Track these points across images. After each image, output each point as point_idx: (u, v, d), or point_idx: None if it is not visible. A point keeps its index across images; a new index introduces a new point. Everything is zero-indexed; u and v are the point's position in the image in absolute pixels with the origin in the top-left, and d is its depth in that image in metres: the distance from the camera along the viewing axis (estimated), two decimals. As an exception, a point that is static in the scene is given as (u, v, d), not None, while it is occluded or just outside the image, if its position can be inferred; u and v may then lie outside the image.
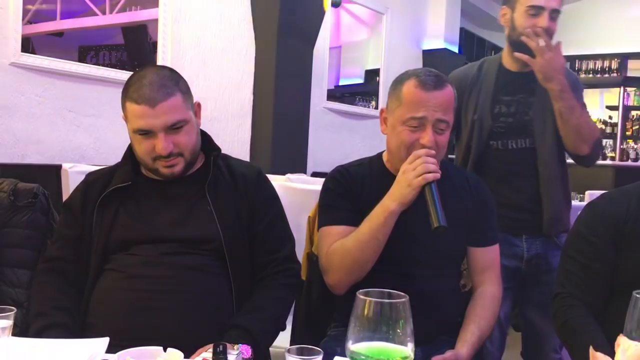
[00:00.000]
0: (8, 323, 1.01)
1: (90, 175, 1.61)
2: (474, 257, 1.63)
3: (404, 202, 1.45)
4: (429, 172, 1.43)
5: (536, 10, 1.95)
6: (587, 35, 8.20)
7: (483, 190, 1.67)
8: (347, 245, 1.50)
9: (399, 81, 1.55)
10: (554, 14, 1.96)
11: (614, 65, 8.17)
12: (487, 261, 1.63)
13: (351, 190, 1.59)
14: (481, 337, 1.51)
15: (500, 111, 2.04)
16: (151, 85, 1.43)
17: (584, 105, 2.03)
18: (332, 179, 1.64)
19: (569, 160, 2.10)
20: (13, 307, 1.04)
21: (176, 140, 1.46)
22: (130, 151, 1.57)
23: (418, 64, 6.33)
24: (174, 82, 1.48)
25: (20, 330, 1.49)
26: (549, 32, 1.94)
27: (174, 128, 1.45)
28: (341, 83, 6.28)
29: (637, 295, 0.98)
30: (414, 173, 1.43)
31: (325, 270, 1.56)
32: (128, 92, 1.45)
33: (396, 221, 1.48)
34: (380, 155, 1.67)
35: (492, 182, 1.86)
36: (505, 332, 2.16)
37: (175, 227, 1.47)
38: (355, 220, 1.53)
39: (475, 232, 1.62)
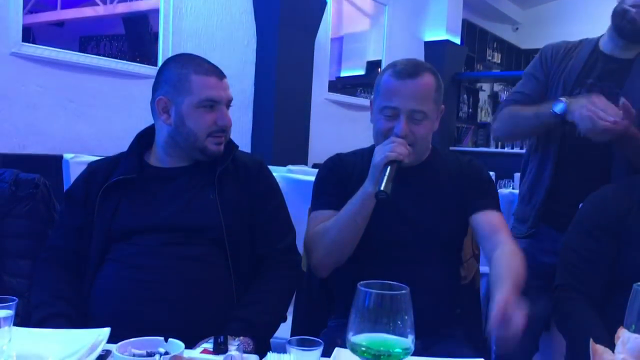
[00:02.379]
0: (9, 313, 1.02)
1: (92, 165, 1.62)
2: (478, 223, 1.56)
3: (375, 182, 1.44)
4: (393, 152, 1.42)
5: None
6: (591, 26, 8.15)
7: (477, 168, 1.65)
8: (327, 226, 1.52)
9: (381, 72, 1.58)
10: None
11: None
12: (492, 224, 1.54)
13: (340, 177, 1.61)
14: (518, 278, 1.33)
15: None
16: (209, 63, 1.54)
17: None
18: (324, 166, 1.68)
19: None
20: (14, 297, 1.04)
21: (228, 117, 1.54)
22: (137, 142, 1.58)
23: (420, 55, 6.32)
24: None
25: (22, 320, 1.49)
26: None
27: (228, 105, 1.55)
28: (342, 74, 6.26)
29: (638, 288, 0.98)
30: (380, 154, 1.44)
31: (308, 251, 1.58)
32: (190, 67, 1.51)
33: (382, 206, 1.48)
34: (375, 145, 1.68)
35: (551, 171, 1.77)
36: (536, 334, 2.01)
37: (177, 216, 1.48)
38: (342, 205, 1.54)
39: (471, 202, 1.58)
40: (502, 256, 1.44)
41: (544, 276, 1.92)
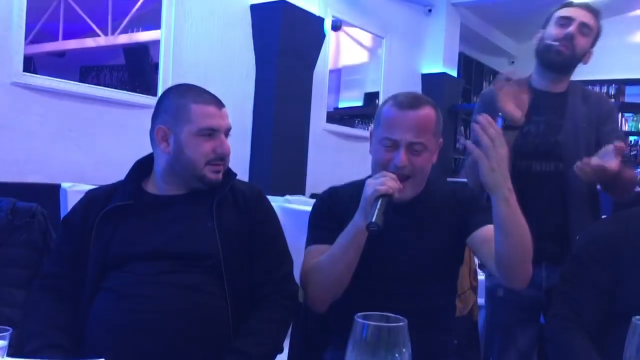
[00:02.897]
0: (3, 343, 1.00)
1: (90, 192, 1.62)
2: (476, 239, 1.55)
3: (365, 215, 1.43)
4: (384, 186, 1.41)
5: (565, 21, 1.97)
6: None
7: (469, 191, 1.66)
8: (320, 262, 1.51)
9: (381, 104, 1.61)
10: (584, 28, 1.97)
11: (612, 91, 8.23)
12: (491, 233, 1.49)
13: (336, 210, 1.61)
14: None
15: (529, 130, 1.96)
16: (208, 93, 1.56)
17: (621, 135, 1.98)
18: (320, 199, 1.68)
19: None
20: (8, 327, 1.03)
21: (227, 145, 1.55)
22: (135, 170, 1.59)
23: (417, 87, 6.38)
24: None
25: (15, 350, 1.47)
26: (573, 40, 1.94)
27: (226, 134, 1.56)
28: (340, 105, 6.33)
29: (637, 322, 0.97)
30: (370, 187, 1.43)
31: (304, 287, 1.57)
32: (189, 96, 1.53)
33: (377, 239, 1.48)
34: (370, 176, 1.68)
35: None
36: None
37: (174, 243, 1.47)
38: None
39: (467, 223, 1.57)
40: None
41: (527, 309, 1.97)
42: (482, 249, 1.54)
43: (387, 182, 1.42)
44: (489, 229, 1.52)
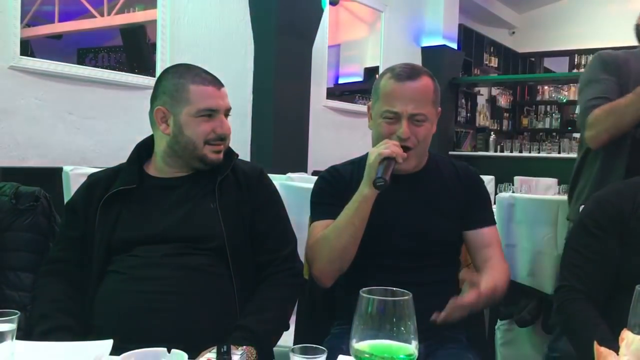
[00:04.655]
0: (12, 326, 1.01)
1: (92, 176, 1.61)
2: (471, 239, 1.61)
3: (370, 181, 1.45)
4: (387, 149, 1.45)
5: None
6: (587, 29, 8.21)
7: (472, 177, 1.67)
8: (326, 234, 1.53)
9: (378, 77, 1.60)
10: None
11: None
12: (485, 240, 1.59)
13: (338, 187, 1.62)
14: (496, 287, 1.46)
15: None
16: (207, 73, 1.54)
17: None
18: (321, 177, 1.69)
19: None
20: (17, 311, 1.03)
21: (227, 125, 1.54)
22: (136, 153, 1.58)
23: (417, 60, 6.34)
24: None
25: (24, 333, 1.49)
26: None
27: (226, 114, 1.55)
28: (340, 81, 6.28)
29: (641, 290, 0.97)
30: (374, 153, 1.47)
31: (309, 261, 1.58)
32: (187, 77, 1.52)
33: (381, 213, 1.50)
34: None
35: (622, 172, 1.80)
36: None
37: (177, 226, 1.48)
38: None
39: (467, 216, 1.61)
40: (487, 269, 1.55)
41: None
42: (476, 253, 1.60)
43: (390, 147, 1.45)
44: (487, 234, 1.59)
